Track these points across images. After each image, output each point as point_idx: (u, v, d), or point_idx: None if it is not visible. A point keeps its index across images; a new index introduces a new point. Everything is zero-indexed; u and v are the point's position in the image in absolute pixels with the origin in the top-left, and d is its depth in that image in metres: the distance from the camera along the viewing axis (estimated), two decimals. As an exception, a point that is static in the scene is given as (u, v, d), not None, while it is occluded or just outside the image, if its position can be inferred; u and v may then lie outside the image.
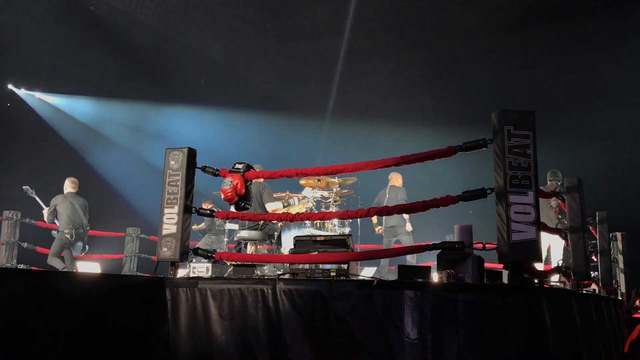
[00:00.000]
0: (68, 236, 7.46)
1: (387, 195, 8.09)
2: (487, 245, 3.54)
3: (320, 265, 3.97)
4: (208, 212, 4.50)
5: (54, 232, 7.62)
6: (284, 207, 6.68)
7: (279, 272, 4.21)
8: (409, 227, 8.02)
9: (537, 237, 3.25)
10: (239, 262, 4.56)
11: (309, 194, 6.96)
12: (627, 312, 6.15)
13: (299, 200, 6.93)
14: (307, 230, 6.36)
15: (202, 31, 12.21)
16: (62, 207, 7.53)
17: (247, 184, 4.38)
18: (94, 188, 10.49)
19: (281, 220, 5.94)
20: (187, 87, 12.50)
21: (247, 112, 12.80)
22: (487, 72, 11.31)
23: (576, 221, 4.31)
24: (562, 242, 4.99)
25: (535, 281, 3.79)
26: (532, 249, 3.25)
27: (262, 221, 6.20)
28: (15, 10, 9.59)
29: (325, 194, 7.09)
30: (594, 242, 6.22)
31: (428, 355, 3.01)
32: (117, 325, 3.41)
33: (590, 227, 6.28)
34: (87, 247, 7.79)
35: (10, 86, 10.54)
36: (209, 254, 4.28)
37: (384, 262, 7.76)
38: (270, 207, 6.44)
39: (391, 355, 3.10)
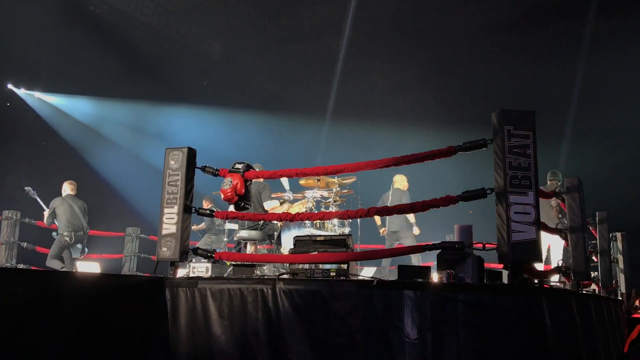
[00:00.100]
0: (67, 239, 7.45)
1: (391, 198, 7.95)
2: (487, 246, 3.54)
3: (320, 265, 3.97)
4: (208, 212, 4.50)
5: (54, 234, 7.61)
6: (281, 203, 6.70)
7: (279, 272, 4.20)
8: (416, 230, 7.95)
9: (537, 237, 3.25)
10: (238, 262, 4.56)
11: (309, 195, 6.96)
12: (626, 312, 6.15)
13: (292, 195, 6.94)
14: (307, 230, 6.36)
15: (202, 31, 12.20)
16: (61, 210, 7.51)
17: (247, 183, 4.38)
18: (94, 188, 10.50)
19: (281, 220, 5.93)
20: (187, 87, 12.51)
21: (247, 112, 12.81)
22: (487, 72, 11.31)
23: (576, 221, 4.31)
24: (562, 242, 4.99)
25: (535, 281, 3.79)
26: (532, 249, 3.25)
27: (261, 221, 6.20)
28: (15, 9, 9.59)
29: (325, 194, 7.08)
30: (594, 242, 6.22)
31: (428, 355, 3.01)
32: (117, 325, 3.40)
33: (590, 227, 6.27)
34: (86, 249, 7.79)
35: (10, 86, 10.55)
36: (209, 254, 4.28)
37: (385, 262, 7.72)
38: (269, 205, 6.44)
39: (391, 355, 3.09)
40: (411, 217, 7.91)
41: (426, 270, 3.71)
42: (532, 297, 3.06)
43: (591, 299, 4.13)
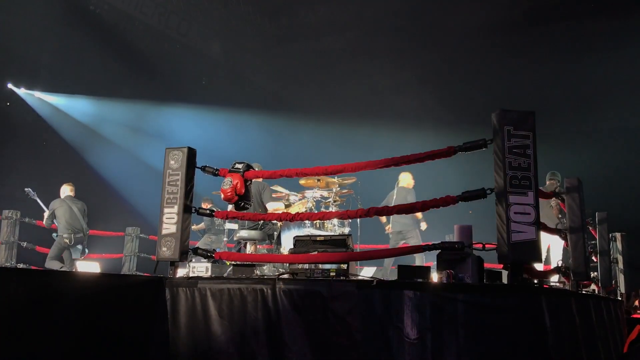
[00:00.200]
0: (67, 240, 7.44)
1: (395, 197, 7.87)
2: (486, 246, 3.54)
3: (320, 265, 3.97)
4: (207, 211, 4.50)
5: (54, 234, 7.60)
6: (286, 206, 6.68)
7: (279, 272, 4.20)
8: (423, 226, 7.89)
9: (537, 237, 3.25)
10: (238, 262, 4.57)
11: (309, 195, 6.96)
12: (626, 312, 6.16)
13: (299, 199, 6.93)
14: (307, 230, 6.36)
15: (202, 31, 12.21)
16: (61, 212, 7.50)
17: (247, 183, 4.38)
18: (94, 188, 10.51)
19: (281, 220, 5.93)
20: (187, 87, 12.51)
21: (247, 112, 12.81)
22: (487, 72, 11.32)
23: (576, 221, 4.31)
24: (562, 243, 4.99)
25: (535, 281, 3.80)
26: (532, 249, 3.25)
27: (261, 221, 6.20)
28: (15, 9, 9.59)
29: (325, 194, 7.08)
30: (593, 242, 6.22)
31: (427, 355, 3.01)
32: (117, 325, 3.40)
33: (590, 228, 6.27)
34: (86, 250, 7.78)
35: (9, 85, 10.55)
36: (209, 254, 4.28)
37: (388, 262, 7.66)
38: (272, 206, 6.44)
39: (391, 355, 3.09)
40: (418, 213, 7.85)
41: (426, 270, 3.71)
42: (531, 297, 3.06)
43: (591, 299, 4.14)
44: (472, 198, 3.55)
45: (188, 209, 4.11)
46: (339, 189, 7.20)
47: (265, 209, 6.44)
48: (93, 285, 3.34)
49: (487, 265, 3.79)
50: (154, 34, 11.61)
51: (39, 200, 7.73)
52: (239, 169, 4.37)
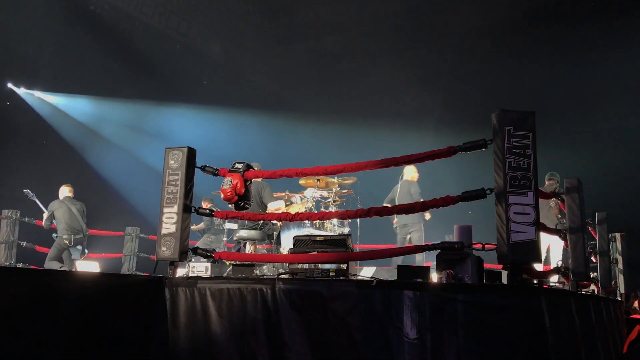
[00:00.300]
0: (67, 241, 7.43)
1: (399, 190, 7.88)
2: (486, 246, 3.54)
3: (320, 265, 3.96)
4: (207, 211, 4.50)
5: (54, 235, 7.60)
6: (287, 205, 6.68)
7: (279, 272, 4.20)
8: (427, 216, 7.89)
9: (537, 237, 3.25)
10: (238, 262, 4.56)
11: (309, 194, 6.96)
12: (625, 312, 6.16)
13: (300, 199, 6.93)
14: (307, 230, 6.36)
15: (202, 31, 12.21)
16: (60, 213, 7.48)
17: (247, 183, 4.38)
18: (94, 187, 10.51)
19: (280, 220, 5.93)
20: (187, 87, 12.52)
21: (247, 112, 12.81)
22: (487, 72, 11.32)
23: (575, 222, 4.31)
24: (562, 243, 4.99)
25: (535, 282, 3.80)
26: (532, 250, 3.25)
27: (261, 221, 6.20)
28: (15, 9, 9.59)
29: (325, 193, 7.08)
30: (593, 242, 6.22)
31: (427, 355, 3.01)
32: (116, 325, 3.40)
33: (590, 228, 6.28)
34: (86, 250, 7.77)
35: (9, 85, 10.55)
36: (208, 254, 4.28)
37: (396, 261, 7.58)
38: (273, 206, 6.44)
39: (390, 355, 3.09)
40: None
41: (425, 270, 3.71)
42: (531, 297, 3.06)
43: (590, 300, 4.14)
44: (472, 198, 3.55)
45: (188, 209, 4.11)
46: (338, 189, 7.20)
47: (265, 209, 6.44)
48: (93, 284, 3.34)
49: (486, 266, 3.79)
50: (154, 34, 11.62)
51: (37, 202, 7.73)
52: (239, 168, 4.37)
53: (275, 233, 6.56)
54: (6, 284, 2.76)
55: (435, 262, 3.61)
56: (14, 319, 2.79)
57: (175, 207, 4.04)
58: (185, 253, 4.07)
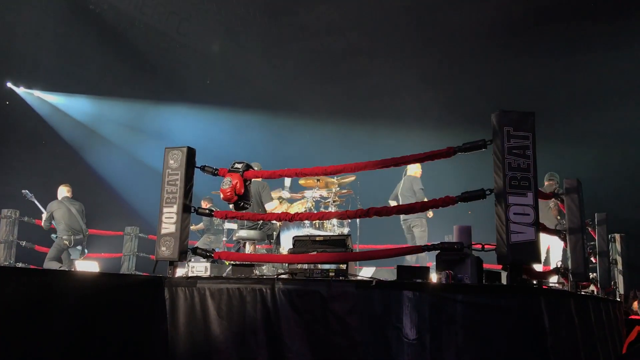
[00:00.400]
0: (67, 242, 7.42)
1: (401, 185, 7.88)
2: (486, 246, 3.54)
3: (319, 265, 3.96)
4: (207, 211, 4.50)
5: (53, 235, 7.59)
6: (280, 202, 6.70)
7: (278, 272, 4.20)
8: (430, 213, 7.87)
9: (536, 238, 3.25)
10: (237, 262, 4.56)
11: (308, 195, 6.96)
12: (625, 313, 6.16)
13: (289, 194, 6.94)
14: (306, 230, 6.35)
15: (202, 31, 12.20)
16: (59, 214, 7.47)
17: (247, 183, 4.38)
18: (93, 187, 10.50)
19: (280, 220, 5.93)
20: (187, 87, 12.51)
21: (247, 112, 12.80)
22: (487, 73, 11.32)
23: (575, 222, 4.32)
24: (562, 244, 4.99)
25: (534, 282, 3.79)
26: (531, 250, 3.25)
27: (261, 221, 6.20)
28: (15, 8, 9.59)
29: (324, 194, 7.08)
30: (592, 243, 6.23)
31: (426, 355, 3.01)
32: (115, 325, 3.40)
33: (589, 229, 6.28)
34: (85, 251, 7.76)
35: (9, 84, 10.54)
36: (208, 254, 4.28)
37: (410, 258, 7.57)
38: (270, 206, 6.44)
39: (390, 356, 3.09)
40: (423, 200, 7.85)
41: (425, 270, 3.71)
42: (530, 298, 3.06)
43: (590, 300, 4.14)
44: (472, 199, 3.55)
45: (187, 209, 4.10)
46: (338, 189, 7.20)
47: (265, 209, 6.44)
48: (92, 284, 3.34)
49: (486, 266, 3.79)
50: (154, 34, 11.61)
51: (36, 202, 7.72)
52: (239, 168, 4.36)
53: (274, 233, 6.56)
54: (5, 284, 2.76)
55: (434, 263, 3.61)
56: (13, 318, 2.79)
57: (175, 207, 4.04)
58: (184, 253, 4.07)
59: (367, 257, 5.59)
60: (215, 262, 4.31)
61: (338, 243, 4.19)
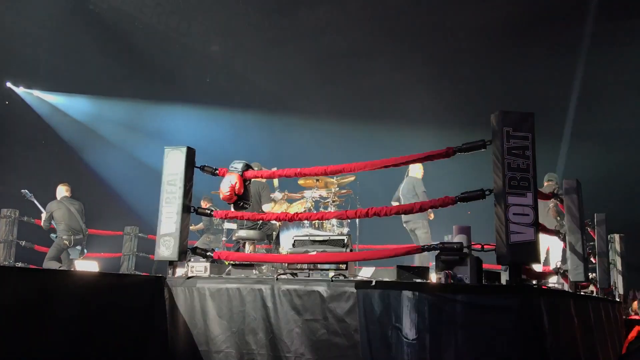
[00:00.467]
0: (67, 242, 7.41)
1: (403, 186, 7.81)
2: (485, 246, 3.54)
3: (319, 266, 3.96)
4: (206, 211, 4.50)
5: (52, 235, 7.58)
6: (274, 204, 6.71)
7: (278, 272, 4.20)
8: (431, 215, 7.85)
9: (536, 238, 3.25)
10: (237, 262, 4.56)
11: (308, 194, 6.96)
12: (624, 313, 6.16)
13: (281, 195, 6.95)
14: (306, 230, 6.35)
15: (202, 31, 12.20)
16: (59, 214, 7.45)
17: (246, 183, 4.38)
18: (93, 187, 10.50)
19: (280, 220, 5.93)
20: (187, 87, 12.50)
21: (247, 112, 12.80)
22: (487, 73, 11.33)
23: (574, 223, 4.32)
24: (561, 244, 4.99)
25: (534, 282, 3.80)
26: (531, 250, 3.25)
27: (260, 221, 6.20)
28: (15, 8, 9.59)
29: (324, 194, 7.07)
30: (592, 243, 6.23)
31: (426, 355, 3.01)
32: (115, 324, 3.40)
33: (589, 229, 6.28)
34: (85, 250, 7.76)
35: (8, 84, 10.53)
36: (207, 253, 4.28)
37: (418, 258, 7.56)
38: (266, 208, 6.46)
39: (389, 356, 3.09)
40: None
41: (425, 270, 3.71)
42: (530, 298, 3.06)
43: (589, 301, 4.14)
44: (471, 199, 3.55)
45: (187, 209, 4.11)
46: (337, 189, 7.19)
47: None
48: (91, 284, 3.34)
49: (485, 266, 3.79)
50: (153, 33, 11.61)
51: (36, 202, 7.70)
52: (238, 168, 4.37)
53: (274, 233, 6.56)
54: (5, 284, 2.76)
55: (434, 263, 3.61)
56: (13, 318, 2.79)
57: (175, 206, 4.04)
58: (184, 253, 4.07)
59: (367, 257, 5.59)
60: (215, 262, 4.30)
61: (338, 243, 4.20)
